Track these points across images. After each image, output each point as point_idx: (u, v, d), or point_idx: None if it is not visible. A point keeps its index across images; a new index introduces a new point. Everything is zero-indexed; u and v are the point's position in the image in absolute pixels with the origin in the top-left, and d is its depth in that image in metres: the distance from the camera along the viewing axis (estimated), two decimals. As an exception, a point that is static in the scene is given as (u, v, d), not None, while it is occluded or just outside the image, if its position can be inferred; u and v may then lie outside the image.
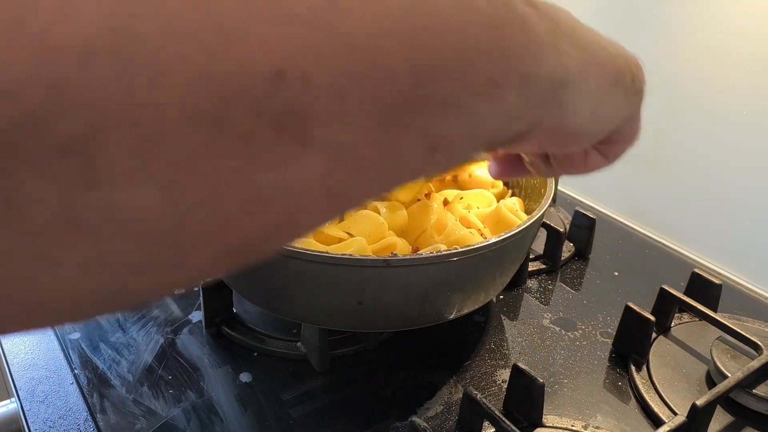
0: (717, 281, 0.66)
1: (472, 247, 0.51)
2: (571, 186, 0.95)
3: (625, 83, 0.33)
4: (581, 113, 0.31)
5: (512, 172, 0.44)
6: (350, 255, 0.49)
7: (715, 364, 0.57)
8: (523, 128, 0.27)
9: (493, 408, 0.49)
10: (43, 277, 0.13)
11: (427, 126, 0.19)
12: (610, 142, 0.38)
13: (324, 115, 0.15)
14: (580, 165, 0.39)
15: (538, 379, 0.51)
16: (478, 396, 0.50)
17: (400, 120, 0.18)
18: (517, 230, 0.53)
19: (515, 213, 0.62)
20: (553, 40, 0.27)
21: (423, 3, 0.18)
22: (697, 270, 0.67)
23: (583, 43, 0.30)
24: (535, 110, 0.27)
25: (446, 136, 0.21)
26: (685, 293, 0.66)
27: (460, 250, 0.50)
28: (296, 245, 0.52)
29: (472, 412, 0.51)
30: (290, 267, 0.51)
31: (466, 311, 0.57)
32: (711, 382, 0.58)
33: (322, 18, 0.15)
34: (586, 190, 0.94)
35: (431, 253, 0.52)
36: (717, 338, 0.60)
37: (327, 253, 0.50)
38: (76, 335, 0.61)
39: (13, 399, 0.71)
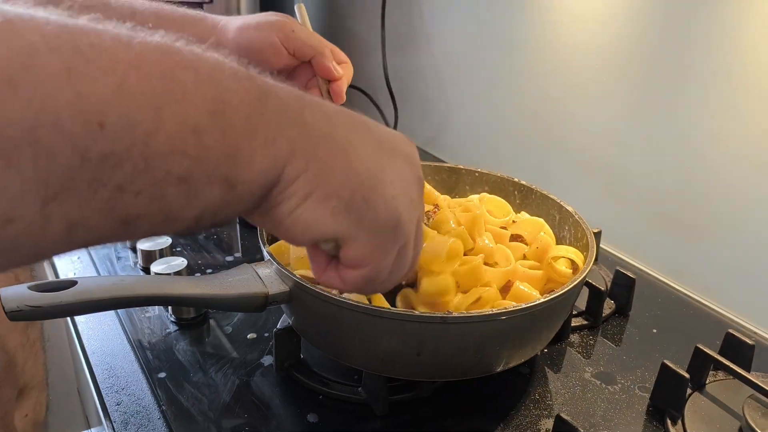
0: (750, 342, 0.70)
1: (522, 307, 0.57)
2: (613, 244, 1.00)
3: (340, 204, 0.36)
4: (281, 210, 0.35)
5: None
6: (411, 312, 0.56)
7: (747, 421, 0.61)
8: (234, 216, 0.33)
9: (538, 454, 0.54)
10: None
11: (109, 205, 0.27)
12: (344, 264, 0.40)
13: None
14: (317, 272, 0.42)
15: (580, 429, 0.56)
16: (525, 443, 0.55)
17: (67, 196, 0.25)
18: (563, 291, 0.59)
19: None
20: (276, 146, 0.32)
21: (111, 92, 0.26)
22: (731, 331, 0.72)
23: (324, 154, 0.35)
24: (245, 204, 0.33)
25: (137, 214, 0.28)
26: (720, 352, 0.70)
27: (510, 309, 0.56)
28: (363, 301, 0.59)
29: (518, 457, 0.56)
30: (355, 319, 0.58)
31: (513, 364, 0.63)
32: (744, 438, 0.62)
33: None
34: (628, 249, 0.99)
35: (484, 311, 0.58)
36: (749, 396, 0.64)
37: (388, 308, 0.56)
38: (162, 375, 0.69)
39: (97, 428, 0.79)
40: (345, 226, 0.37)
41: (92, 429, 0.85)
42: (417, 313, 0.56)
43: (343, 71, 0.65)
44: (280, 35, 0.62)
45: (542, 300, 0.58)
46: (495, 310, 0.56)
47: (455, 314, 0.56)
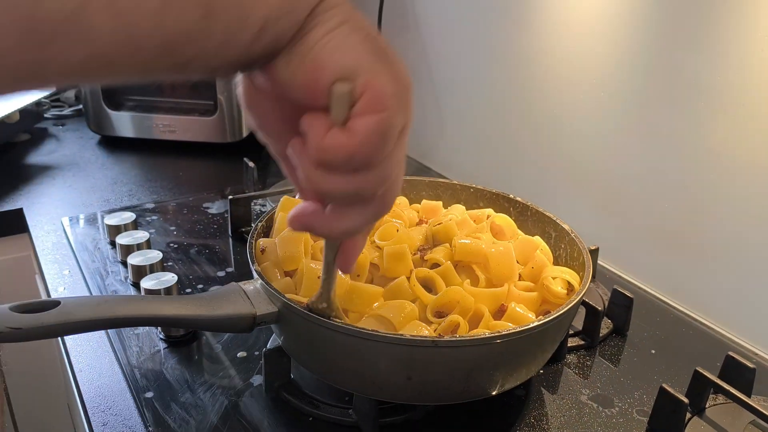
0: (751, 365, 0.68)
1: (516, 330, 0.55)
2: (611, 261, 0.98)
3: (370, 38, 0.36)
4: (320, 31, 0.35)
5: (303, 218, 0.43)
6: (401, 335, 0.55)
7: (747, 448, 0.60)
8: (286, 29, 0.34)
9: (531, 483, 0.52)
10: None
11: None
12: (359, 111, 0.36)
13: None
14: (319, 135, 0.37)
15: (575, 456, 0.55)
16: (518, 471, 0.53)
17: None
18: (559, 313, 0.58)
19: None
20: None
21: None
22: (731, 353, 0.70)
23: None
24: (296, 17, 0.34)
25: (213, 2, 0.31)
26: (720, 375, 0.69)
27: (503, 332, 0.55)
28: (352, 324, 0.57)
29: (511, 485, 0.54)
30: (345, 342, 0.56)
31: (508, 387, 0.62)
32: (744, 466, 0.60)
33: None
34: (626, 266, 0.97)
35: (476, 335, 0.57)
36: (750, 422, 0.63)
37: (378, 331, 0.55)
38: (150, 394, 0.67)
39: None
40: (372, 57, 0.36)
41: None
42: (407, 336, 0.54)
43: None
44: None
45: (537, 323, 0.57)
46: (488, 334, 0.55)
47: (447, 338, 0.55)
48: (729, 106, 0.81)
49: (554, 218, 0.76)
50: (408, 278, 0.65)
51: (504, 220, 0.75)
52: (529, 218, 0.78)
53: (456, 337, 0.56)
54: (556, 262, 0.74)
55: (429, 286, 0.65)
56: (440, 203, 0.80)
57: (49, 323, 0.52)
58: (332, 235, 0.46)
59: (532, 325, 0.56)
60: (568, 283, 0.68)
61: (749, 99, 0.78)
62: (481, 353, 0.56)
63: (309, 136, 0.38)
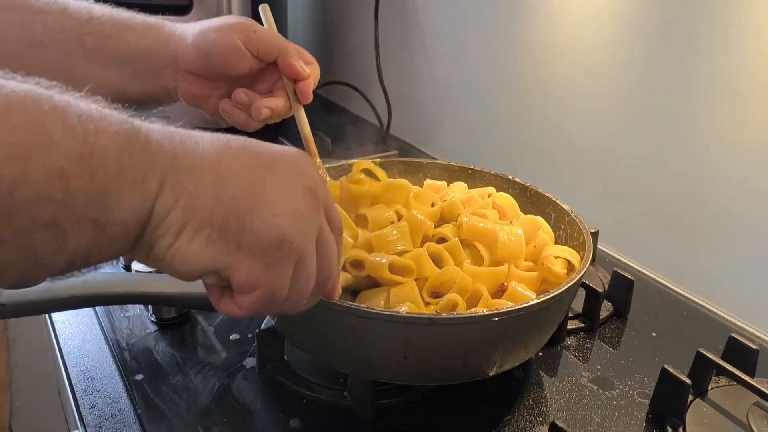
0: (754, 347, 0.67)
1: (514, 308, 0.54)
2: (611, 245, 0.97)
3: (214, 232, 0.35)
4: (159, 248, 0.35)
5: None
6: (397, 312, 0.53)
7: (751, 429, 0.58)
8: (110, 258, 0.33)
9: (530, 464, 0.51)
10: None
11: None
12: (236, 292, 0.38)
13: None
14: (214, 303, 0.40)
15: (575, 437, 0.53)
16: (517, 451, 0.52)
17: None
18: (558, 291, 0.56)
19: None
20: (144, 185, 0.32)
21: None
22: (734, 335, 0.69)
23: (192, 187, 0.34)
24: (119, 245, 0.32)
25: (3, 263, 0.29)
26: (723, 357, 0.68)
27: (502, 310, 0.53)
28: (348, 302, 0.56)
29: (510, 466, 0.53)
30: (339, 320, 0.55)
31: (506, 368, 0.60)
32: (747, 448, 0.59)
33: None
34: (625, 249, 0.96)
35: (474, 312, 0.55)
36: (754, 403, 0.61)
37: (374, 309, 0.53)
38: (140, 376, 0.66)
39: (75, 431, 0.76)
40: (223, 253, 0.36)
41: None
42: (403, 313, 0.53)
43: (310, 71, 0.62)
44: (242, 37, 0.58)
45: (536, 301, 0.55)
46: (486, 311, 0.54)
47: (443, 315, 0.53)
48: (730, 91, 0.79)
49: (554, 198, 0.74)
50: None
51: (506, 200, 0.74)
52: (528, 199, 0.77)
53: (453, 314, 0.54)
54: (556, 243, 0.73)
55: (436, 261, 0.63)
56: (444, 183, 0.78)
57: (33, 299, 0.50)
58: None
59: (530, 303, 0.55)
60: (569, 264, 0.67)
61: (750, 85, 0.77)
62: (479, 332, 0.55)
63: (212, 300, 0.41)
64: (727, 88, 0.79)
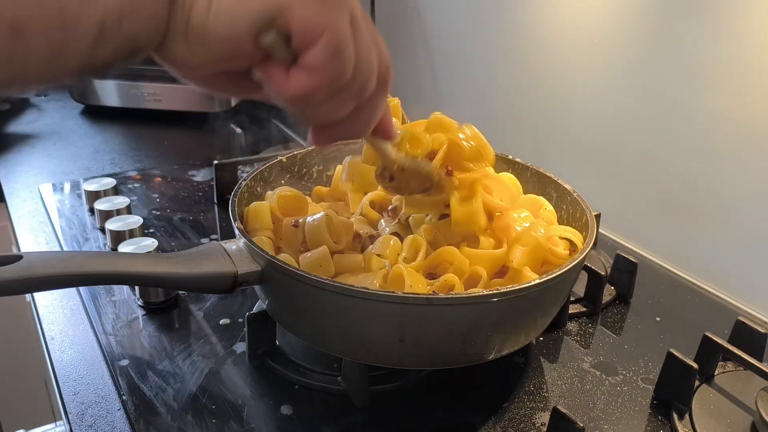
0: (762, 330, 0.65)
1: (514, 288, 0.51)
2: (613, 230, 0.94)
3: None
4: (198, 12, 0.30)
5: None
6: (393, 292, 0.51)
7: (760, 415, 0.56)
8: (147, 29, 0.29)
9: (532, 450, 0.49)
10: None
11: None
12: (301, 49, 0.33)
13: None
14: (282, 86, 0.35)
15: (578, 423, 0.51)
16: (518, 437, 0.50)
17: None
18: (560, 272, 0.54)
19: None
20: None
21: None
22: (741, 318, 0.67)
23: None
24: (153, 6, 0.28)
25: (27, 19, 0.24)
26: (730, 341, 0.65)
27: (501, 290, 0.51)
28: (341, 281, 0.53)
29: (510, 453, 0.51)
30: (333, 301, 0.52)
31: (506, 352, 0.58)
32: (756, 434, 0.57)
33: None
34: (628, 233, 0.94)
35: (473, 292, 0.52)
36: (763, 389, 0.59)
37: (369, 289, 0.51)
38: (125, 362, 0.63)
39: (60, 422, 0.73)
40: None
41: (56, 423, 0.79)
42: (399, 293, 0.50)
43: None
44: None
45: (537, 281, 0.53)
46: (485, 292, 0.51)
47: (441, 295, 0.51)
48: (732, 72, 0.76)
49: (555, 178, 0.72)
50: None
51: (508, 179, 0.71)
52: (529, 179, 0.74)
53: (451, 294, 0.52)
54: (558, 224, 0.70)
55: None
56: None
57: (10, 278, 0.48)
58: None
59: (531, 284, 0.52)
60: (571, 245, 0.64)
61: (756, 68, 0.74)
62: (478, 313, 0.52)
63: (272, 88, 0.35)
64: (732, 70, 0.77)
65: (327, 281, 0.50)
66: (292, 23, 0.32)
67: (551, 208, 0.69)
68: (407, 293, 0.51)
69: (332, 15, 0.33)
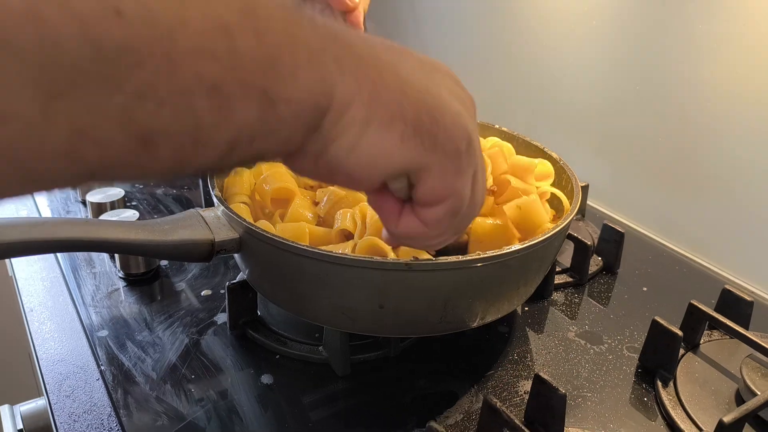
0: (749, 298, 0.64)
1: (495, 254, 0.50)
2: (600, 200, 0.94)
3: (403, 129, 0.30)
4: (340, 146, 0.29)
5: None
6: (372, 257, 0.50)
7: (744, 382, 0.56)
8: (284, 148, 0.27)
9: (513, 417, 0.48)
10: None
11: (125, 113, 0.21)
12: (419, 204, 0.34)
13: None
14: (392, 221, 0.36)
15: (560, 389, 0.50)
16: (499, 404, 0.49)
17: (75, 95, 0.20)
18: (542, 238, 0.53)
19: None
20: (324, 63, 0.26)
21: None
22: (728, 287, 0.66)
23: (372, 74, 0.29)
24: (290, 131, 0.26)
25: (159, 130, 0.22)
26: (716, 310, 0.65)
27: (483, 256, 0.50)
28: (319, 247, 0.52)
29: (491, 421, 0.50)
30: (312, 268, 0.51)
31: (489, 320, 0.57)
32: (741, 401, 0.56)
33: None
34: (616, 205, 0.93)
35: (453, 258, 0.51)
36: (747, 356, 0.59)
37: (348, 254, 0.50)
38: (103, 332, 0.62)
39: (44, 396, 0.73)
40: (418, 152, 0.31)
41: (42, 397, 0.78)
42: (378, 259, 0.49)
43: (359, 0, 0.57)
44: None
45: (518, 247, 0.52)
46: (466, 257, 0.50)
47: (421, 260, 0.50)
48: (724, 44, 0.75)
49: (542, 147, 0.71)
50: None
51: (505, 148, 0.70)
52: (517, 148, 0.73)
53: (431, 260, 0.51)
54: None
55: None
56: None
57: (-22, 244, 0.47)
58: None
59: (514, 249, 0.51)
60: (555, 216, 0.64)
61: (744, 38, 0.73)
62: (459, 279, 0.51)
63: (382, 218, 0.37)
64: (724, 42, 0.76)
65: (304, 247, 0.49)
66: (425, 183, 0.33)
67: (549, 165, 0.68)
68: (386, 259, 0.50)
69: (462, 181, 0.34)
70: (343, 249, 0.55)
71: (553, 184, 0.68)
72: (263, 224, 0.57)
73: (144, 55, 0.21)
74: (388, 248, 0.53)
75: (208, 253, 0.54)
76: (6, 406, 0.81)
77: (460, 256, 0.50)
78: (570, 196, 0.63)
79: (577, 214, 0.85)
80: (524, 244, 0.52)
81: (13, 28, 0.18)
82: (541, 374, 0.52)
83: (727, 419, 0.49)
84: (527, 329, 0.66)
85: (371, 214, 0.57)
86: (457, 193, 0.34)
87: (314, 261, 0.50)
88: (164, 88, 0.22)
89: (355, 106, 0.28)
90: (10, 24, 0.18)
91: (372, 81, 0.29)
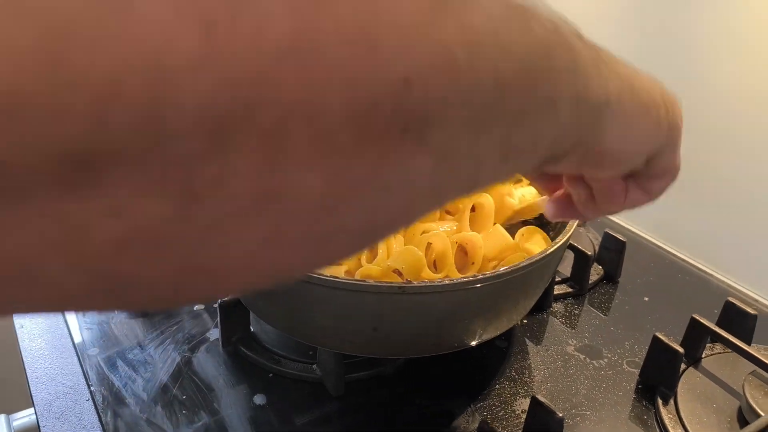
0: (752, 311, 0.63)
1: (491, 275, 0.49)
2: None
3: (657, 113, 0.33)
4: (613, 135, 0.31)
5: (566, 213, 0.43)
6: (365, 281, 0.48)
7: (747, 400, 0.54)
8: (568, 146, 0.28)
9: (509, 443, 0.47)
10: (232, 249, 0.15)
11: (503, 135, 0.21)
12: (649, 177, 0.37)
13: (436, 119, 0.17)
14: (619, 200, 0.38)
15: (558, 413, 0.49)
16: (494, 427, 0.48)
17: (484, 127, 0.20)
18: (541, 256, 0.52)
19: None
20: (596, 65, 0.29)
21: (502, 26, 0.21)
22: (731, 299, 0.65)
23: (622, 70, 0.32)
24: (581, 129, 0.29)
25: (516, 147, 0.23)
26: (718, 323, 0.64)
27: (479, 277, 0.49)
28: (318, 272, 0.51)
29: (488, 445, 0.49)
30: (306, 291, 0.50)
31: (487, 337, 0.56)
32: (743, 420, 0.55)
33: (432, 30, 0.17)
34: (618, 210, 0.91)
35: (447, 280, 0.50)
36: (751, 372, 0.57)
37: (341, 278, 0.48)
38: (94, 351, 0.61)
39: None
40: (665, 132, 0.35)
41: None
42: (371, 282, 0.48)
43: None
44: None
45: (518, 266, 0.50)
46: (461, 279, 0.49)
47: (415, 284, 0.48)
48: (727, 47, 0.73)
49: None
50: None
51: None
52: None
53: (425, 282, 0.50)
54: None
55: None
56: None
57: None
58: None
59: (511, 269, 0.50)
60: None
61: (747, 41, 0.71)
62: (454, 300, 0.50)
63: (608, 199, 0.38)
64: (723, 42, 0.74)
65: (295, 270, 0.48)
66: (661, 158, 0.35)
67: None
68: (379, 282, 0.49)
69: (679, 152, 0.36)
70: (336, 272, 0.54)
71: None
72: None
73: (521, 84, 0.22)
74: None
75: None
76: (2, 416, 0.81)
77: (455, 279, 0.49)
78: (569, 208, 0.62)
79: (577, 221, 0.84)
80: (523, 263, 0.51)
81: (463, 82, 0.18)
82: (538, 396, 0.51)
83: (729, 444, 0.48)
84: (527, 341, 0.65)
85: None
86: (679, 163, 0.37)
87: (304, 283, 0.49)
88: (526, 109, 0.23)
89: (624, 99, 0.31)
90: (461, 79, 0.18)
91: (626, 79, 0.32)
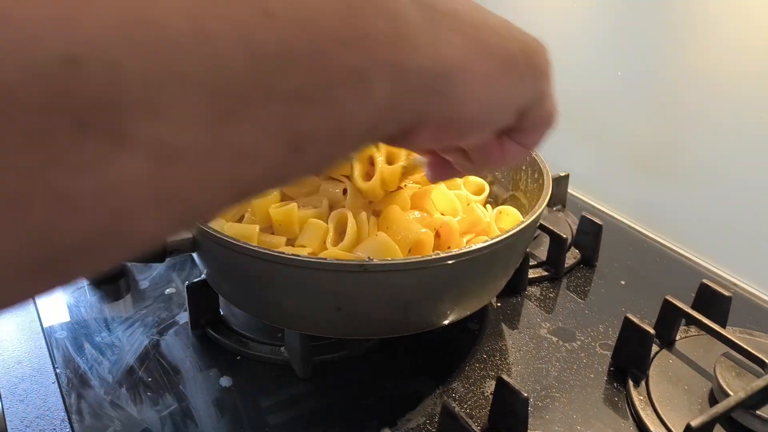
0: (727, 293, 0.62)
1: (455, 253, 0.48)
2: (581, 189, 0.91)
3: (517, 68, 0.31)
4: (470, 103, 0.29)
5: (445, 174, 0.42)
6: (325, 259, 0.48)
7: (717, 381, 0.54)
8: (406, 122, 0.25)
9: (471, 423, 0.46)
10: None
11: (281, 121, 0.18)
12: (522, 131, 0.35)
13: (140, 108, 0.14)
14: (497, 157, 0.37)
15: (522, 393, 0.49)
16: (456, 410, 0.47)
17: (241, 113, 0.16)
18: (507, 235, 0.51)
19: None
20: (430, 28, 0.25)
21: None
22: (706, 281, 0.64)
23: (468, 28, 0.28)
24: (414, 103, 0.25)
25: (309, 133, 0.19)
26: (693, 305, 0.63)
27: (442, 255, 0.48)
28: (275, 249, 0.50)
29: (450, 426, 0.48)
30: (267, 270, 0.49)
31: (456, 318, 0.55)
32: (714, 401, 0.54)
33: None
34: (597, 194, 0.91)
35: (412, 258, 0.50)
36: (723, 354, 0.57)
37: (302, 256, 0.48)
38: (62, 334, 0.61)
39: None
40: (532, 84, 0.33)
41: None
42: (332, 260, 0.47)
43: None
44: None
45: (482, 245, 0.50)
46: (422, 257, 0.48)
47: (376, 261, 0.48)
48: (705, 31, 0.72)
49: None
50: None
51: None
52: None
53: (387, 260, 0.49)
54: (515, 187, 0.67)
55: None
56: None
57: None
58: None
59: (475, 248, 0.49)
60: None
61: (726, 26, 0.70)
62: (418, 279, 0.49)
63: (486, 160, 0.37)
64: (705, 30, 0.73)
65: (253, 248, 0.47)
66: (535, 111, 0.34)
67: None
68: (339, 260, 0.48)
69: (553, 100, 0.35)
70: (298, 250, 0.53)
71: (525, 178, 0.66)
72: (219, 225, 0.55)
73: (296, 55, 0.19)
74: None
75: (161, 253, 0.52)
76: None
77: (417, 257, 0.48)
78: (540, 190, 0.61)
79: (556, 204, 0.83)
80: (487, 242, 0.50)
81: (184, 54, 0.15)
82: (503, 377, 0.50)
83: (695, 423, 0.47)
84: (501, 325, 0.65)
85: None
86: (554, 116, 0.36)
87: (265, 262, 0.48)
88: (313, 86, 0.19)
89: (473, 63, 0.28)
90: (179, 50, 0.15)
91: (475, 38, 0.29)
